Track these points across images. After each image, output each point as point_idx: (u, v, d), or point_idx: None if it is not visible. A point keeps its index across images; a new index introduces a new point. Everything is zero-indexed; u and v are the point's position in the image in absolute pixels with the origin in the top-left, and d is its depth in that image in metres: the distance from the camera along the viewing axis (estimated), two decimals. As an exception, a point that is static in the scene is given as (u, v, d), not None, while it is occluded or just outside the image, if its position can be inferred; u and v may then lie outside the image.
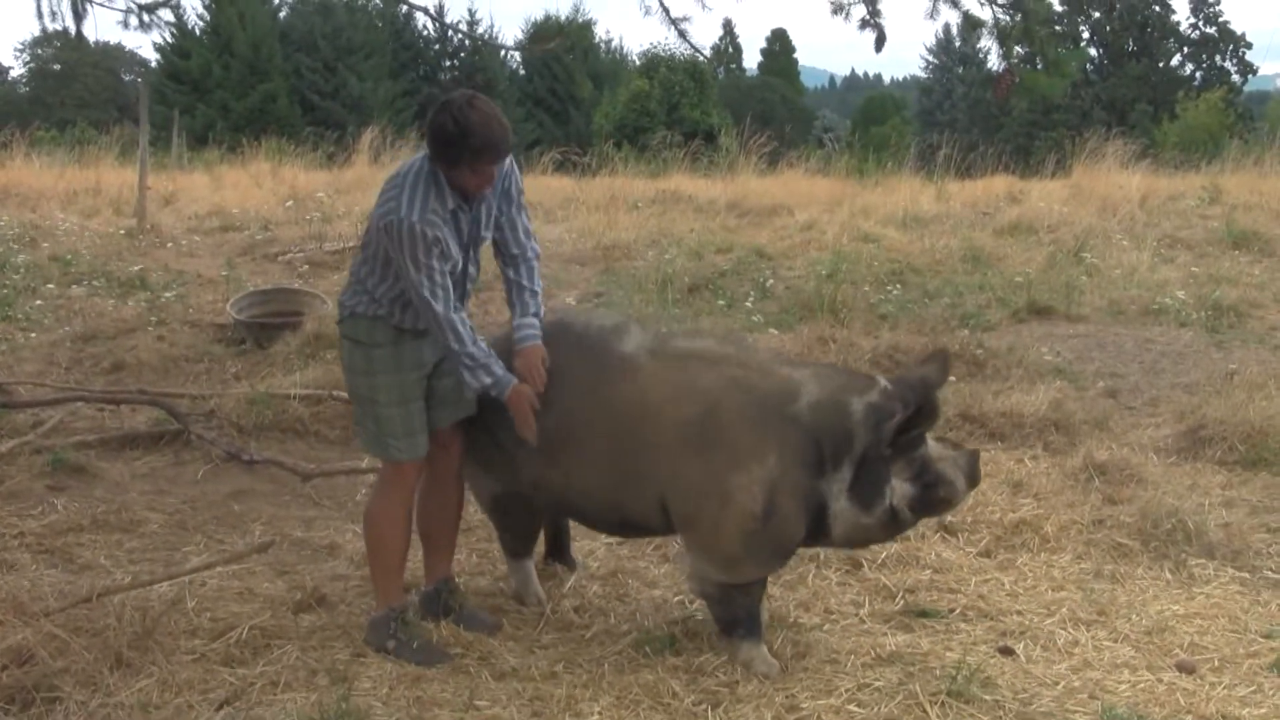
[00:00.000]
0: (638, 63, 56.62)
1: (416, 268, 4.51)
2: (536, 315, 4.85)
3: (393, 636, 4.74)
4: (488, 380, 4.70)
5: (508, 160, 4.73)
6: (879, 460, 4.50)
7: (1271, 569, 5.74)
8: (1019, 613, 5.22)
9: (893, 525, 4.62)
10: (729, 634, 4.71)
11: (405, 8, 56.48)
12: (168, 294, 11.85)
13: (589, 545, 5.89)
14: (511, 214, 4.85)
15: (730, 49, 72.11)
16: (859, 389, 4.60)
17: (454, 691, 4.40)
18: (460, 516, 5.19)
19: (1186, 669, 4.67)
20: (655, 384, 4.64)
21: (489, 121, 4.44)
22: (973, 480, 4.70)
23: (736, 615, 4.69)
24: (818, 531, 4.58)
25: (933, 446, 4.66)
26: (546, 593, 5.33)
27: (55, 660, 4.40)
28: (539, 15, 64.19)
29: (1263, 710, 4.32)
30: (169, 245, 14.49)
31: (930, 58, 75.25)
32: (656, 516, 4.69)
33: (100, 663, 4.44)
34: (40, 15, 9.03)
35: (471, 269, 4.80)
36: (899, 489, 4.54)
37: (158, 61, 53.47)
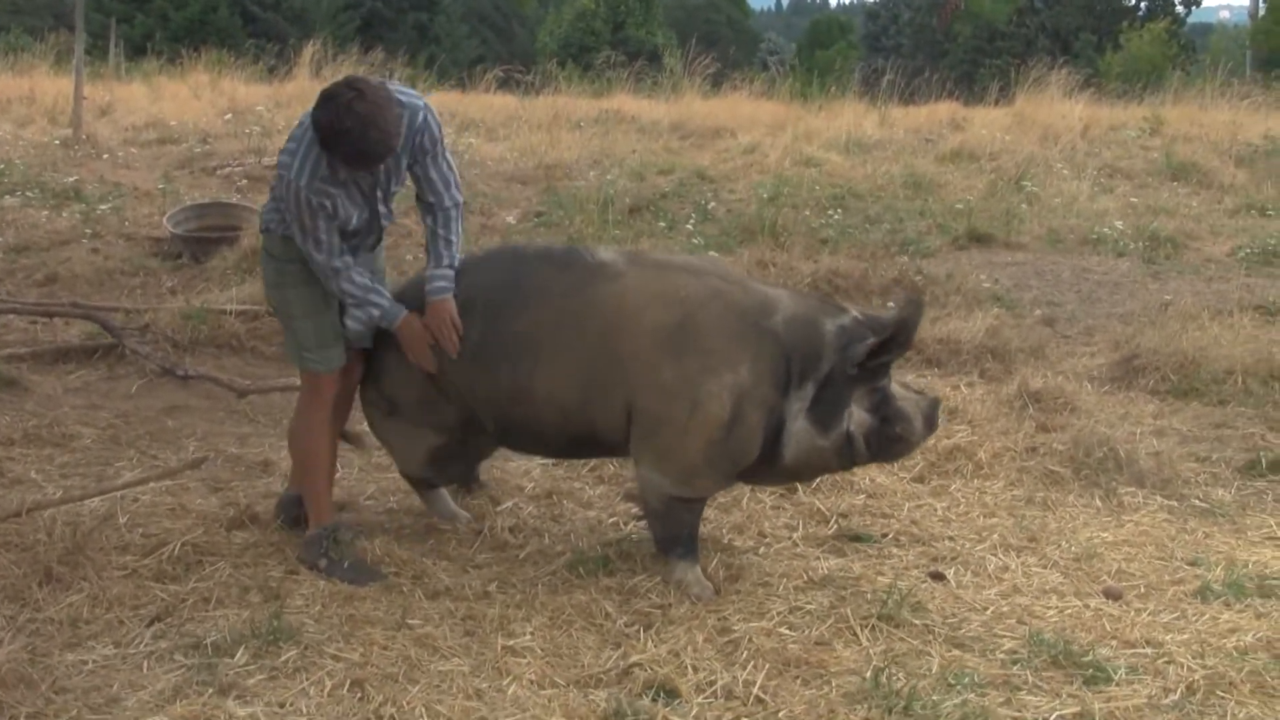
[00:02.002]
0: (584, -20, 56.16)
1: (301, 228, 4.52)
2: (450, 266, 4.79)
3: (324, 555, 4.72)
4: (376, 313, 4.71)
5: (420, 114, 4.62)
6: (842, 383, 4.54)
7: (1199, 498, 5.81)
8: (951, 538, 5.27)
9: (846, 453, 4.63)
10: (667, 552, 4.73)
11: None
12: (103, 206, 11.70)
13: (524, 465, 5.89)
14: (426, 165, 4.73)
15: (677, -32, 71.63)
16: (831, 312, 4.67)
17: (386, 610, 4.40)
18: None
19: (1113, 595, 4.73)
20: (635, 288, 4.64)
21: (365, 130, 4.27)
22: (930, 425, 4.77)
23: (678, 534, 4.70)
24: (771, 453, 4.60)
25: (896, 388, 4.71)
26: (480, 512, 5.34)
27: (-16, 574, 4.38)
28: (484, -70, 63.37)
29: (1185, 636, 4.38)
30: (105, 157, 14.29)
31: (877, -18, 74.98)
32: (620, 426, 4.64)
33: (29, 578, 4.42)
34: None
35: (382, 212, 4.77)
36: (857, 416, 4.58)
37: (95, -32, 52.54)
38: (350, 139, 4.29)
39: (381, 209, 4.75)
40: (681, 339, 4.53)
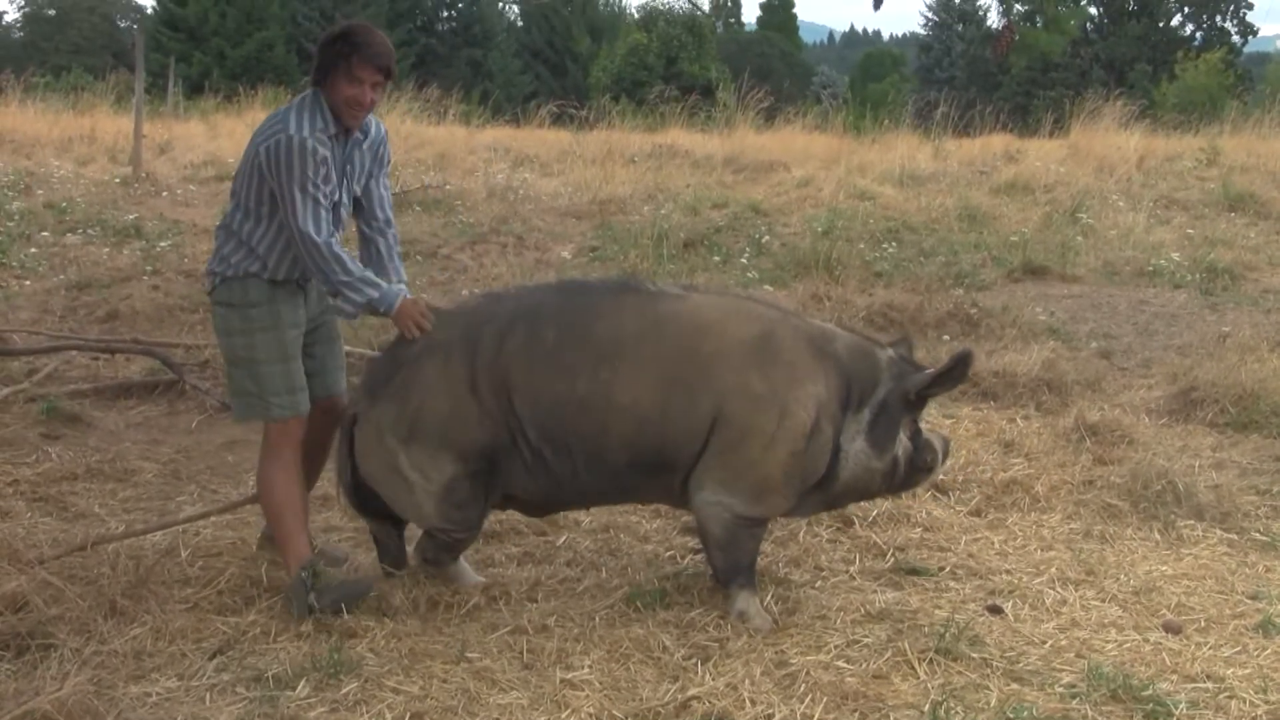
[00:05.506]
0: (636, 16, 56.61)
1: (303, 190, 4.52)
2: (402, 283, 4.88)
3: (311, 591, 4.60)
4: (374, 294, 4.64)
5: (383, 128, 4.88)
6: (896, 409, 4.67)
7: (1259, 531, 5.77)
8: (1008, 571, 5.25)
9: (890, 477, 4.75)
10: (728, 583, 4.74)
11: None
12: (163, 243, 11.84)
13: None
14: (381, 180, 4.95)
15: (729, 3, 71.85)
16: (879, 345, 4.85)
17: (446, 644, 4.42)
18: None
19: (1173, 629, 4.70)
20: (707, 306, 4.75)
21: (371, 31, 4.66)
22: (945, 459, 4.98)
23: (739, 562, 4.70)
24: (828, 473, 4.66)
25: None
26: (540, 548, 5.37)
27: (49, 608, 4.42)
28: (537, -34, 63.74)
29: (1247, 670, 4.35)
30: (164, 194, 14.48)
31: (930, 14, 74.86)
32: (697, 438, 4.57)
33: (94, 610, 4.46)
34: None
35: (344, 200, 4.80)
36: (902, 442, 4.71)
37: (153, 8, 53.14)
38: (358, 34, 4.64)
39: (344, 200, 4.78)
40: (766, 351, 4.61)
